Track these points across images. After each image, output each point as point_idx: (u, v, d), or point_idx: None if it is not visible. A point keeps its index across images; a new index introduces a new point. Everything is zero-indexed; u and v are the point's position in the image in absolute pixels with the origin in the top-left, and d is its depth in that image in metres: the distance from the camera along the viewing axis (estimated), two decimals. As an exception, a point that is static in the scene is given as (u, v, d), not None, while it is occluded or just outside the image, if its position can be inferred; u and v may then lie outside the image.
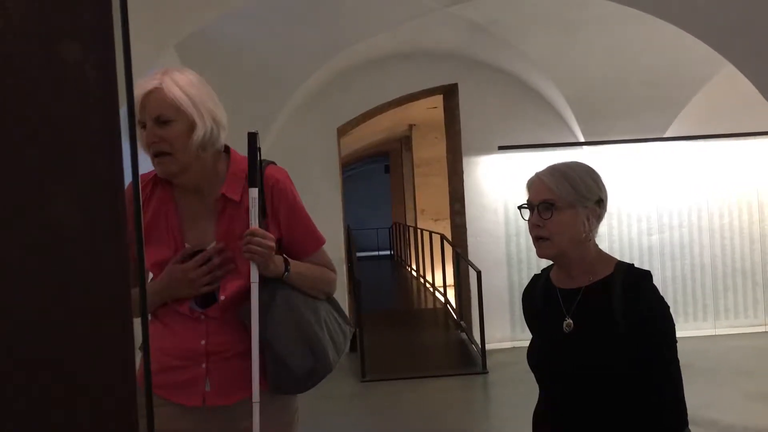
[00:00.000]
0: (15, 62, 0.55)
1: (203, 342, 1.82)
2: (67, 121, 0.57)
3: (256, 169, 1.83)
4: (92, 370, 0.59)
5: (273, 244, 1.79)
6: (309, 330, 1.86)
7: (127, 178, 0.58)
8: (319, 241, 1.99)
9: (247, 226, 1.79)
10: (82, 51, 0.58)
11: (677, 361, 1.68)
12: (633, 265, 1.77)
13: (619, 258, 1.82)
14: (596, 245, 1.79)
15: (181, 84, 1.75)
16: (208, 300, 1.84)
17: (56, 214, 0.55)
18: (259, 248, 1.76)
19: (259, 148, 1.85)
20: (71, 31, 0.58)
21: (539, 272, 1.95)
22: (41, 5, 0.56)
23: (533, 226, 1.74)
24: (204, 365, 1.82)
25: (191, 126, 1.74)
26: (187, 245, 1.83)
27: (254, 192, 1.82)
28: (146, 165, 1.77)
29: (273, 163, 1.94)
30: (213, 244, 1.83)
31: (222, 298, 1.83)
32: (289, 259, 1.86)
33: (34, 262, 0.56)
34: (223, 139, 1.83)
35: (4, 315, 0.56)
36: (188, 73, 1.79)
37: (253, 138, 1.84)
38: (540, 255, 1.79)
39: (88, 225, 0.56)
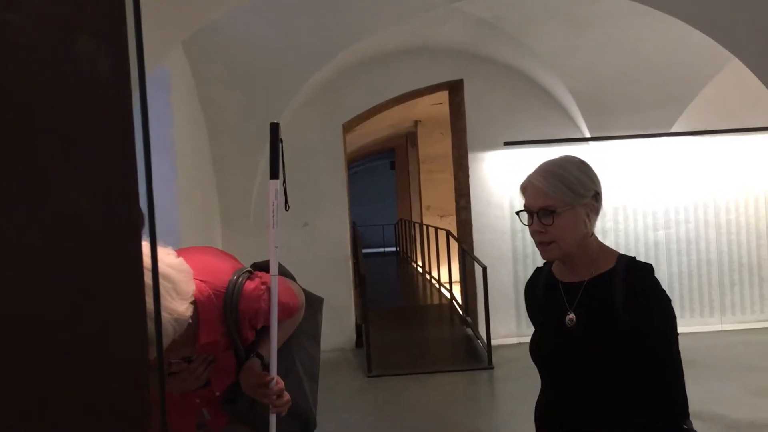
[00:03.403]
0: (30, 56, 0.56)
1: (198, 400, 1.91)
2: (81, 113, 0.58)
3: (278, 159, 1.84)
4: (105, 358, 0.61)
5: (289, 397, 1.85)
6: (294, 407, 1.94)
7: (140, 171, 0.60)
8: (291, 310, 1.96)
9: (225, 338, 1.79)
10: (95, 44, 0.59)
11: (678, 353, 1.68)
12: (635, 258, 1.76)
13: (625, 253, 1.81)
14: (597, 238, 1.78)
15: None
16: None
17: (70, 206, 0.56)
18: (284, 408, 1.84)
19: (281, 140, 1.85)
20: (85, 24, 0.59)
21: (541, 265, 1.95)
22: (55, 0, 0.57)
23: (535, 232, 1.73)
24: (198, 401, 1.91)
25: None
26: (171, 361, 1.78)
27: (275, 183, 1.83)
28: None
29: (250, 276, 1.84)
30: (195, 357, 1.82)
31: (217, 393, 1.89)
32: (261, 354, 1.87)
33: (49, 252, 0.57)
34: (189, 310, 1.64)
35: (17, 306, 0.58)
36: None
37: (275, 129, 1.84)
38: (545, 258, 1.79)
39: (102, 216, 0.57)
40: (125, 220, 0.58)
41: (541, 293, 1.88)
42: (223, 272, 1.81)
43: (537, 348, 1.85)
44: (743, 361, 6.45)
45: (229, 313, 1.76)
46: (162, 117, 4.81)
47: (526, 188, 1.76)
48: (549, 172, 1.72)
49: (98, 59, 0.60)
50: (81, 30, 0.60)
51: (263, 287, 1.83)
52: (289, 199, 2.01)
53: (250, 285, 1.81)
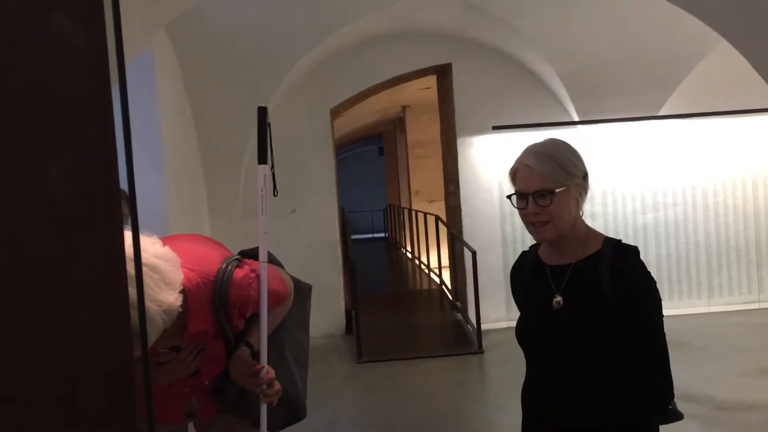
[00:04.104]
0: (5, 34, 0.53)
1: (186, 389, 1.90)
2: (59, 94, 0.55)
3: (266, 144, 1.81)
4: (90, 341, 0.59)
5: (279, 386, 1.85)
6: (284, 395, 1.93)
7: (120, 154, 0.57)
8: (280, 297, 1.95)
9: (215, 326, 1.77)
10: (72, 23, 0.56)
11: (664, 335, 1.69)
12: (620, 240, 1.77)
13: (614, 237, 1.81)
14: (584, 221, 1.79)
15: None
16: None
17: (49, 186, 0.54)
18: (274, 397, 1.84)
19: (269, 124, 1.83)
20: (62, 3, 0.56)
21: (527, 249, 1.95)
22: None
23: (530, 214, 1.72)
24: (186, 389, 1.90)
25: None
26: (161, 350, 1.77)
27: (264, 169, 1.81)
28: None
29: (239, 264, 1.83)
30: (184, 346, 1.81)
31: (206, 383, 1.89)
32: (250, 342, 1.86)
33: (27, 234, 0.54)
34: (178, 300, 1.62)
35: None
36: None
37: (262, 112, 1.81)
38: (539, 239, 1.78)
39: (82, 197, 0.55)
40: (105, 205, 0.55)
41: (527, 277, 1.88)
42: (211, 260, 1.78)
43: (524, 332, 1.86)
44: (731, 343, 6.50)
45: (218, 302, 1.74)
46: (147, 104, 4.75)
47: (517, 171, 1.75)
48: (543, 153, 1.72)
49: (75, 38, 0.57)
50: (57, 8, 0.57)
51: (253, 275, 1.81)
52: (277, 185, 1.98)
53: (239, 273, 1.79)
